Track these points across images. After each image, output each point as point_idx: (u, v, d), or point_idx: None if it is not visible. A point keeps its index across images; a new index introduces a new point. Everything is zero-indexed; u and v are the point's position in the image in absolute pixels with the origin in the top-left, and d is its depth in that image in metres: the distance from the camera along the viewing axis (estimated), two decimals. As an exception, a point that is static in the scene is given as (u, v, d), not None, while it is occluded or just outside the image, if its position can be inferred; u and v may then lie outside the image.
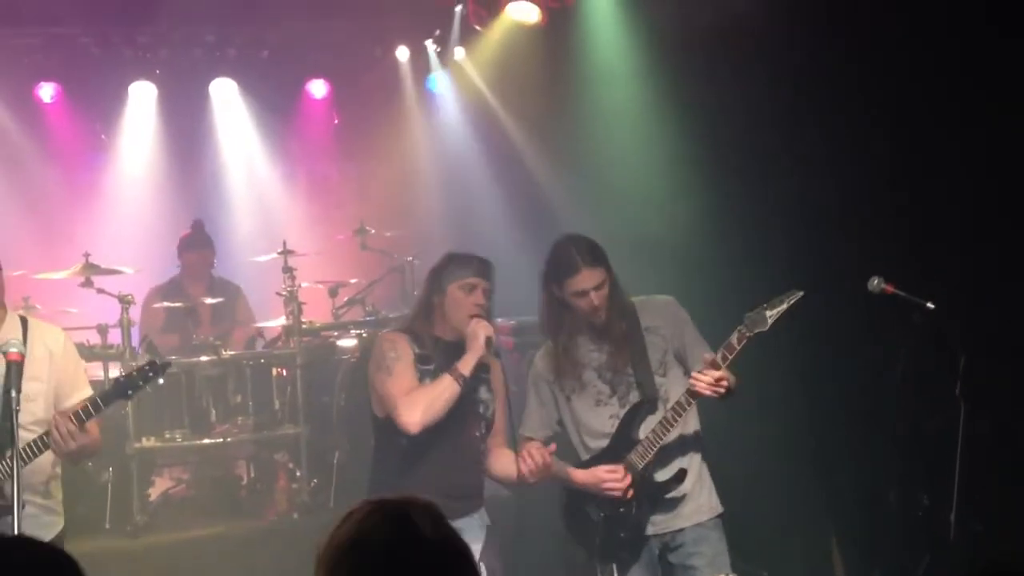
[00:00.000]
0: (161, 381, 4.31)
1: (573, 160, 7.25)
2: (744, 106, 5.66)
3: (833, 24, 5.33)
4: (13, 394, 3.61)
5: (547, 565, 5.34)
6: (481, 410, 4.27)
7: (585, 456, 4.23)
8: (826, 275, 5.06)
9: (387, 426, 4.18)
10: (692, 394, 3.98)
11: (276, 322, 7.12)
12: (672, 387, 4.13)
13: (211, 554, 5.98)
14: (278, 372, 6.73)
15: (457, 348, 4.15)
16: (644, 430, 4.10)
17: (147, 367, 4.16)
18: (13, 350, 3.71)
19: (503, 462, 4.30)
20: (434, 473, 4.05)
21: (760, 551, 5.14)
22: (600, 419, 4.18)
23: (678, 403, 4.02)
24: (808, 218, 5.51)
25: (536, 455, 4.02)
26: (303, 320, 6.74)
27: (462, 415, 4.17)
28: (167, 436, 6.41)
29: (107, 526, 6.10)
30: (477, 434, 4.25)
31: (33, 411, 4.07)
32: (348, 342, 7.14)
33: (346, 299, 7.39)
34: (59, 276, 6.50)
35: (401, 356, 4.16)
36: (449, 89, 8.79)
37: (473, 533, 4.08)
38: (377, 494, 3.88)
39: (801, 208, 5.54)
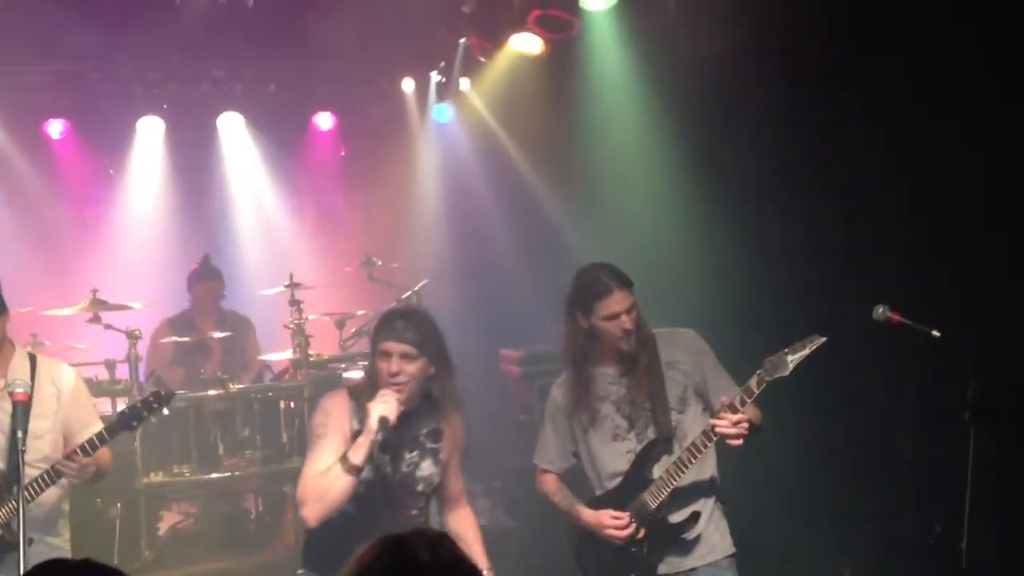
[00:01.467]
0: (166, 412, 4.27)
1: (579, 188, 7.28)
2: (747, 132, 5.68)
3: (832, 51, 5.34)
4: (19, 434, 3.62)
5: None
6: (420, 488, 3.96)
7: (599, 489, 4.17)
8: (834, 302, 5.05)
9: None
10: (709, 436, 3.90)
11: (283, 355, 7.12)
12: (691, 425, 4.05)
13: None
14: (286, 405, 6.73)
15: (404, 413, 3.82)
16: (658, 469, 4.03)
17: (151, 398, 4.18)
18: (20, 390, 3.72)
19: (462, 528, 4.10)
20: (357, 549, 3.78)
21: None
22: (616, 454, 4.10)
23: (694, 444, 3.93)
24: (815, 244, 5.50)
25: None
26: (310, 352, 6.75)
27: (394, 498, 3.90)
28: (175, 471, 6.41)
29: (115, 561, 6.08)
30: (414, 512, 3.96)
31: (40, 448, 4.10)
32: (355, 374, 7.12)
33: (353, 331, 7.40)
34: (67, 312, 6.52)
35: (325, 435, 3.83)
36: (454, 120, 8.84)
37: None
38: (311, 561, 3.85)
39: (808, 234, 5.54)
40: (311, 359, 6.76)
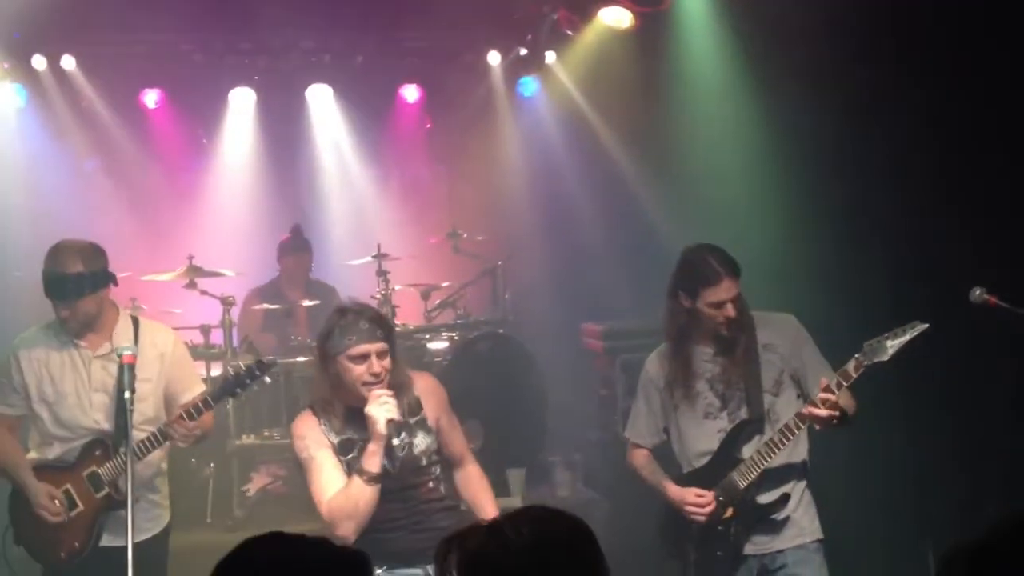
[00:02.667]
0: (268, 380, 4.42)
1: (666, 165, 7.22)
2: (843, 108, 5.56)
3: (938, 21, 5.18)
4: (127, 395, 3.75)
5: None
6: (424, 463, 3.94)
7: (687, 467, 4.20)
8: (928, 285, 4.96)
9: None
10: (802, 418, 3.90)
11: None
12: (784, 409, 4.05)
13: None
14: (372, 373, 6.84)
15: (358, 413, 3.82)
16: (748, 449, 4.05)
17: (254, 366, 4.29)
18: (127, 352, 3.85)
19: (469, 484, 4.13)
20: (393, 540, 3.82)
21: (854, 572, 5.03)
22: (707, 432, 4.12)
23: (787, 426, 3.94)
24: (910, 224, 5.39)
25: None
26: (396, 323, 6.86)
27: (407, 482, 3.90)
28: (266, 434, 6.59)
29: (208, 520, 6.30)
30: (431, 485, 3.96)
31: (143, 411, 4.23)
32: (439, 344, 7.25)
33: (438, 302, 7.50)
34: (164, 278, 6.72)
35: (314, 455, 3.81)
36: (540, 94, 8.84)
37: None
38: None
39: (902, 213, 5.43)
40: (397, 329, 6.85)
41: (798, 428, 3.94)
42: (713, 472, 4.09)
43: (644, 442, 4.28)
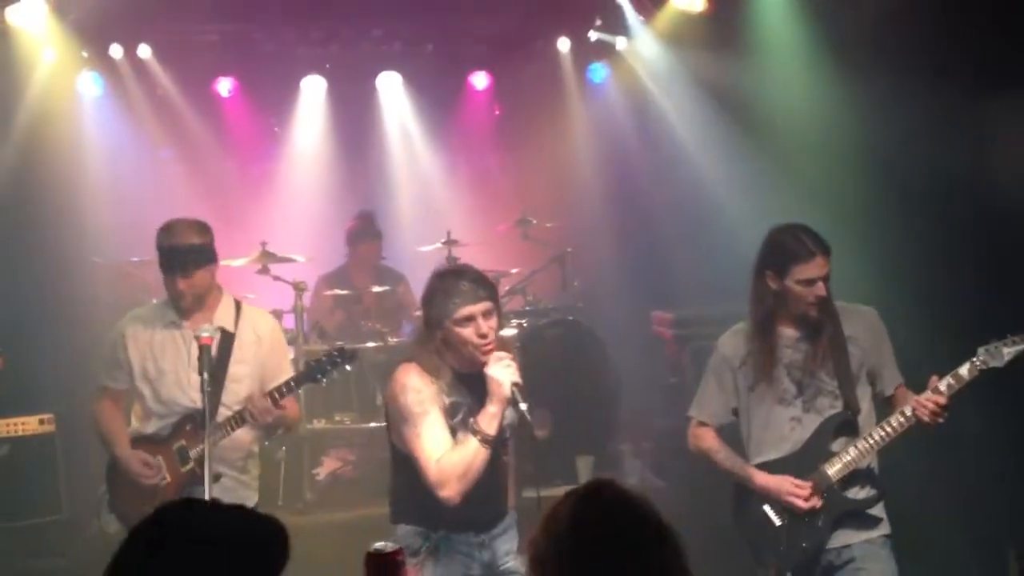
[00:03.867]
0: (349, 368, 4.39)
1: (742, 152, 7.11)
2: (927, 92, 5.39)
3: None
4: (204, 376, 3.80)
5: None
6: (507, 436, 3.86)
7: (755, 452, 4.11)
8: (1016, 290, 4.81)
9: (409, 462, 3.72)
10: (908, 417, 3.83)
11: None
12: (861, 403, 4.00)
13: (376, 533, 6.10)
14: (441, 359, 6.86)
15: (469, 378, 3.71)
16: (839, 443, 3.97)
17: (336, 353, 4.34)
18: (205, 335, 3.89)
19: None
20: (462, 507, 3.67)
21: (933, 569, 4.92)
22: (779, 418, 4.04)
23: (890, 424, 3.88)
24: (1004, 216, 5.21)
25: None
26: (465, 309, 6.85)
27: (495, 455, 3.78)
28: (336, 419, 6.65)
29: (280, 502, 6.37)
30: (504, 457, 3.89)
31: (238, 392, 4.33)
32: (508, 331, 7.23)
33: (507, 289, 7.49)
34: (238, 263, 6.80)
35: (429, 411, 3.65)
36: (610, 80, 8.78)
37: (509, 535, 3.90)
38: (405, 516, 3.79)
39: (992, 205, 5.26)
40: (466, 315, 6.86)
41: (901, 427, 3.87)
42: (801, 462, 4.01)
43: (711, 421, 4.18)
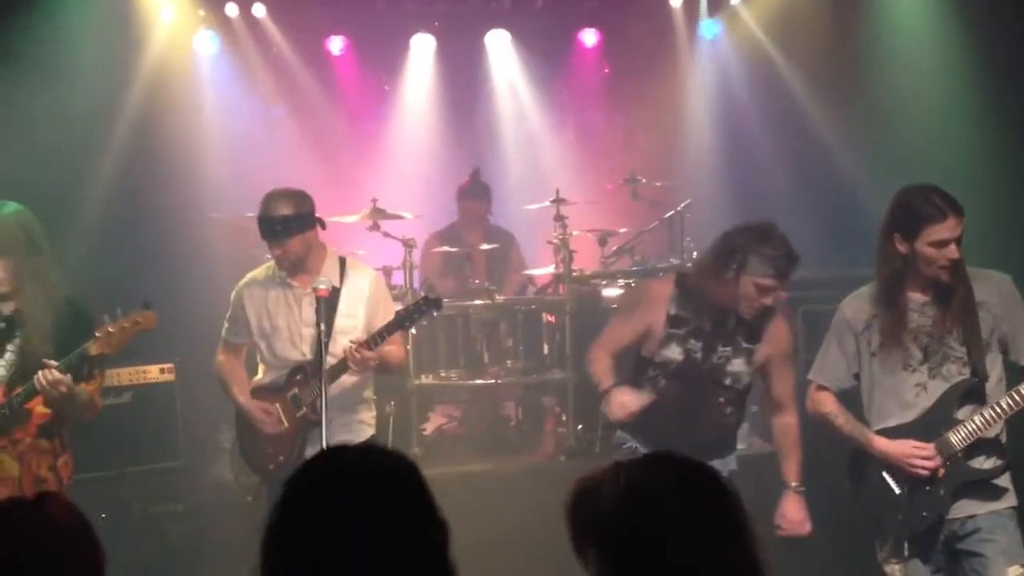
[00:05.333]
0: (435, 314, 4.69)
1: (859, 114, 6.90)
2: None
3: None
4: (322, 327, 4.04)
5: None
6: (728, 382, 4.27)
7: (876, 418, 4.01)
8: None
9: (642, 363, 4.37)
10: None
11: (546, 270, 7.26)
12: (989, 370, 3.87)
13: (483, 488, 6.22)
14: (547, 318, 6.88)
15: (726, 314, 4.21)
16: (965, 411, 3.86)
17: (422, 302, 4.59)
18: (322, 287, 4.13)
19: (778, 434, 4.43)
20: (656, 425, 4.20)
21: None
22: (904, 384, 3.94)
23: (1019, 393, 3.76)
24: None
25: None
26: (573, 268, 6.84)
27: (701, 385, 4.27)
28: (443, 375, 6.70)
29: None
30: (720, 400, 4.29)
31: (344, 344, 4.55)
32: (614, 291, 7.18)
33: (615, 248, 7.43)
34: (349, 220, 6.88)
35: (633, 315, 4.38)
36: (723, 37, 8.59)
37: None
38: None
39: None
40: (573, 274, 6.85)
41: None
42: (924, 429, 3.90)
43: (832, 385, 4.09)
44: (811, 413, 4.17)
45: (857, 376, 4.07)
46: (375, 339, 4.51)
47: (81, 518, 2.06)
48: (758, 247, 4.10)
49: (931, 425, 3.89)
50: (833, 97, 7.33)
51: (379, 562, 1.81)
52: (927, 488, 3.89)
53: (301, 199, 4.62)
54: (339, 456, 2.00)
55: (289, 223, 4.53)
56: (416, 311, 4.56)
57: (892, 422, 3.97)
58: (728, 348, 4.24)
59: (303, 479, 1.93)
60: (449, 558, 1.88)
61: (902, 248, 3.86)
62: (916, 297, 3.93)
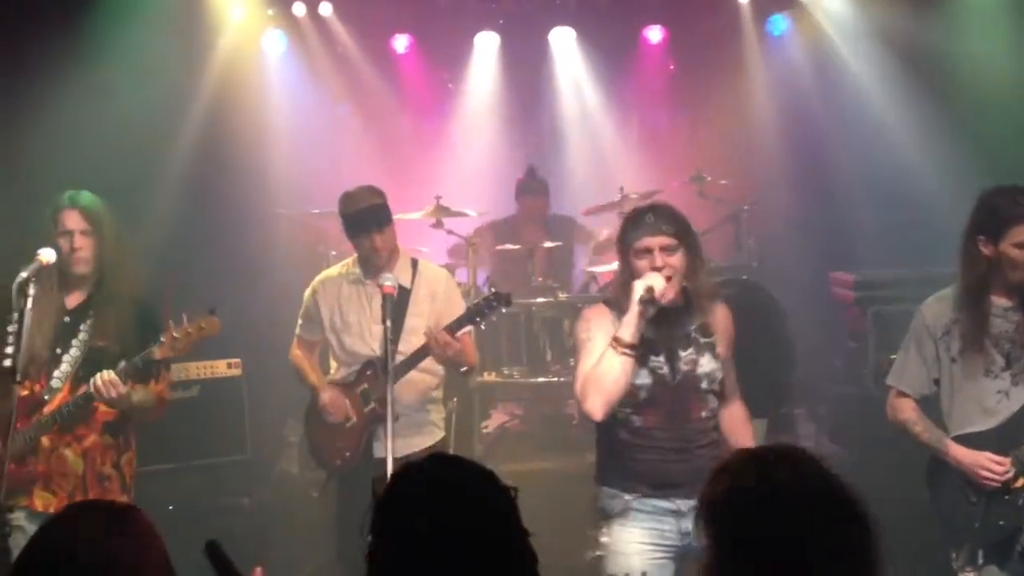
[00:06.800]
0: (504, 310, 4.62)
1: (936, 110, 6.74)
2: None
3: None
4: (388, 323, 4.00)
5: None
6: (704, 385, 3.72)
7: (956, 425, 3.93)
8: None
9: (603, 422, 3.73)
10: None
11: (610, 267, 7.21)
12: None
13: (544, 487, 6.20)
14: (611, 316, 6.83)
15: (674, 315, 3.69)
16: None
17: (492, 297, 4.53)
18: (388, 283, 4.10)
19: (734, 424, 3.88)
20: (652, 462, 3.66)
21: None
22: (985, 391, 3.84)
23: None
24: None
25: None
26: (635, 266, 6.78)
27: (680, 402, 3.69)
28: (505, 372, 6.71)
29: (451, 452, 6.48)
30: (703, 413, 3.73)
31: (413, 343, 4.59)
32: (679, 290, 7.12)
33: (679, 247, 7.35)
34: (414, 217, 6.91)
35: (592, 337, 3.69)
36: (790, 33, 8.47)
37: None
38: (604, 477, 3.79)
39: None
40: (637, 272, 6.79)
41: None
42: (1006, 435, 3.80)
43: (912, 391, 4.01)
44: (890, 419, 4.09)
45: (937, 382, 3.97)
46: (453, 327, 4.50)
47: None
48: (624, 222, 3.76)
49: (1012, 433, 3.80)
50: (906, 95, 7.18)
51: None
52: (1005, 497, 3.80)
53: (383, 192, 4.70)
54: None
55: (384, 211, 4.62)
56: (486, 306, 4.52)
57: (973, 429, 3.88)
58: (690, 350, 3.72)
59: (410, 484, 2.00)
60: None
61: (986, 250, 3.77)
62: (1000, 301, 3.84)
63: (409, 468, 2.05)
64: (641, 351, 3.62)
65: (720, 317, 3.84)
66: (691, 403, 3.72)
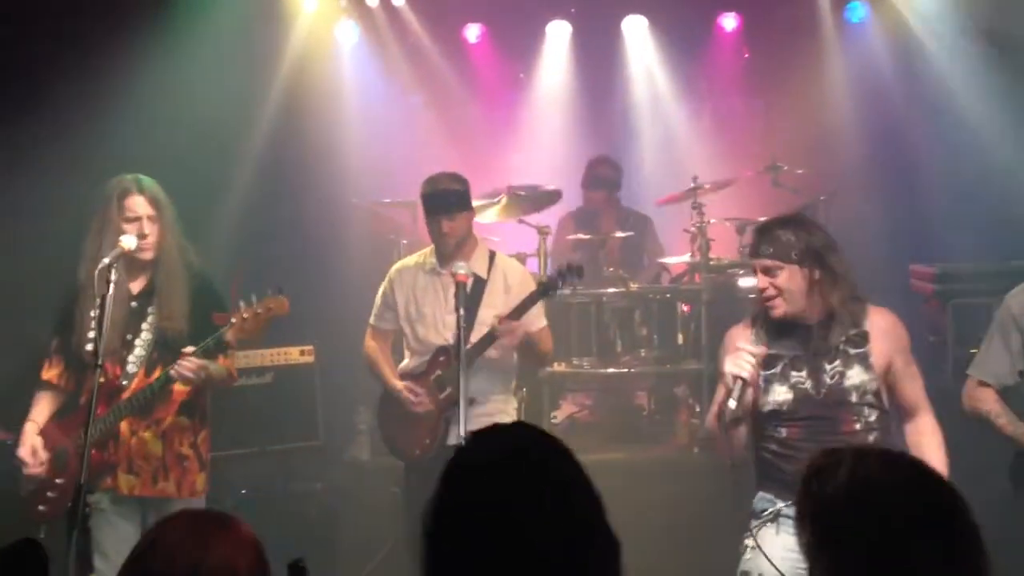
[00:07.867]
0: (577, 280, 4.69)
1: (1016, 102, 6.55)
2: None
3: None
4: (460, 312, 4.05)
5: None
6: (855, 399, 3.63)
7: None
8: None
9: (755, 421, 3.75)
10: None
11: (682, 258, 7.15)
12: None
13: (613, 478, 5.99)
14: (683, 307, 6.77)
15: (817, 328, 3.66)
16: None
17: (564, 268, 4.61)
18: (461, 272, 4.17)
19: (922, 451, 3.64)
20: (785, 470, 3.58)
21: None
22: None
23: None
24: None
25: None
26: (710, 257, 6.71)
27: (826, 415, 3.63)
28: (575, 363, 6.67)
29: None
30: (857, 426, 3.62)
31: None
32: (750, 281, 7.00)
33: (753, 237, 7.24)
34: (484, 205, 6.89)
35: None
36: (870, 19, 8.29)
37: None
38: (760, 482, 3.76)
39: None
40: (710, 263, 6.72)
41: None
42: None
43: (994, 381, 3.91)
44: (967, 410, 3.99)
45: (1021, 373, 3.88)
46: (519, 309, 4.57)
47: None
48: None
49: None
50: (989, 84, 6.98)
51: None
52: None
53: (464, 180, 4.78)
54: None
55: (458, 197, 4.68)
56: (559, 277, 4.59)
57: None
58: (837, 362, 3.65)
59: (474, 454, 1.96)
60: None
61: None
62: None
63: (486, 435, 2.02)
64: (781, 367, 3.68)
65: (878, 322, 3.74)
66: (841, 416, 3.64)
